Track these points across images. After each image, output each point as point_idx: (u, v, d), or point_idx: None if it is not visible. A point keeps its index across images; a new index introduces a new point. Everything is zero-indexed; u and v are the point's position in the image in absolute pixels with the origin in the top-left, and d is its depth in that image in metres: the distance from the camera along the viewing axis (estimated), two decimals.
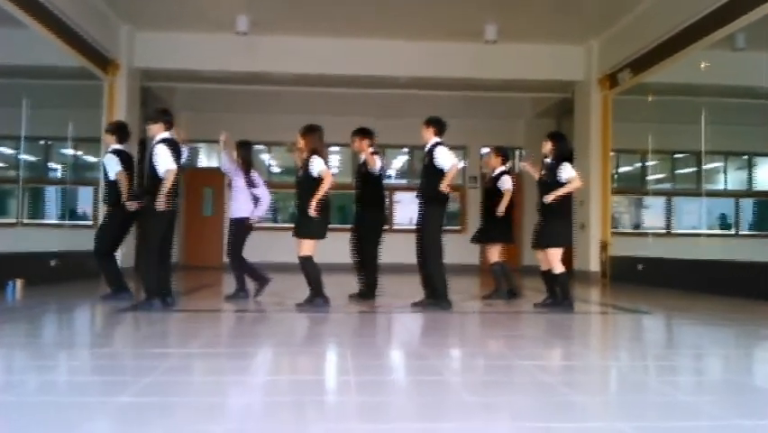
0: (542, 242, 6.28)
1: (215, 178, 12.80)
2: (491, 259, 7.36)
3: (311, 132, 6.28)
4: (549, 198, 6.11)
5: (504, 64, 11.86)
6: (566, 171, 6.18)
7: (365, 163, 7.07)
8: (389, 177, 14.84)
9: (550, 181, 6.21)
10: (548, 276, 6.33)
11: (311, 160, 6.17)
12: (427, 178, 6.29)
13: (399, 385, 3.31)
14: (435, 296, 6.24)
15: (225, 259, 7.34)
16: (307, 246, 6.19)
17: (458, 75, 12.04)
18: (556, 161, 6.23)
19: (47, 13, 8.60)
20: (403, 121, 13.04)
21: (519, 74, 12.11)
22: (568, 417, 2.59)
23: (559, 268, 6.19)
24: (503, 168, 7.41)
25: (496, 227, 7.26)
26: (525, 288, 8.73)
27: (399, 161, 15.63)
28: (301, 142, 6.27)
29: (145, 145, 12.67)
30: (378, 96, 13.35)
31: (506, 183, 7.22)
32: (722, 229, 10.25)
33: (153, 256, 5.83)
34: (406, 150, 15.18)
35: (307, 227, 6.16)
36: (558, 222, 6.24)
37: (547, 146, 6.30)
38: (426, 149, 6.37)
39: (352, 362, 3.64)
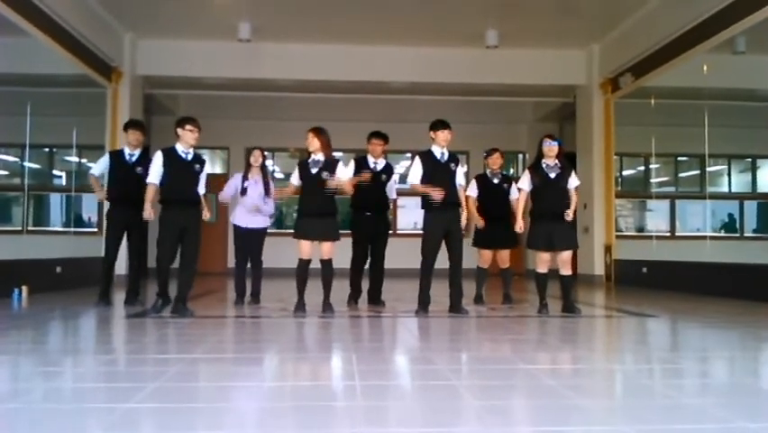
0: (573, 243, 6.32)
1: (218, 184, 12.84)
2: (504, 264, 7.36)
3: (325, 133, 6.25)
4: (570, 216, 6.18)
5: (505, 69, 11.90)
6: (575, 179, 6.35)
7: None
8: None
9: (563, 185, 6.24)
10: (566, 279, 6.36)
11: (338, 164, 6.27)
12: (455, 186, 6.29)
13: (404, 390, 3.31)
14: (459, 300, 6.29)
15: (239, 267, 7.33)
16: (333, 249, 6.20)
17: (460, 80, 12.08)
18: (562, 164, 6.27)
19: (50, 22, 8.64)
20: (405, 126, 13.03)
21: (521, 79, 12.15)
22: (573, 421, 2.59)
23: (570, 270, 6.36)
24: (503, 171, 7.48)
25: (508, 232, 7.21)
26: (529, 292, 8.72)
27: (402, 166, 15.62)
28: (315, 142, 6.18)
29: (148, 152, 12.73)
30: (380, 102, 13.39)
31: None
32: (729, 231, 10.22)
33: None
34: (408, 155, 15.19)
35: (336, 230, 6.19)
36: (574, 225, 6.39)
37: (555, 150, 6.23)
38: (447, 155, 6.27)
39: (357, 366, 3.64)
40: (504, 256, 7.36)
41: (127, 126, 6.98)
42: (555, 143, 6.26)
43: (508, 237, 7.20)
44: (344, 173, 6.27)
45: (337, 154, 15.55)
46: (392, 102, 13.42)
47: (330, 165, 6.17)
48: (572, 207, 6.23)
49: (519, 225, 6.43)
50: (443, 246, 6.27)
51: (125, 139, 6.92)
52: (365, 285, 7.16)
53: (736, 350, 4.66)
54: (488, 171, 7.33)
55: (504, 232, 7.15)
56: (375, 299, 7.08)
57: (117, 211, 6.74)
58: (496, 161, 7.29)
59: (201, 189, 6.12)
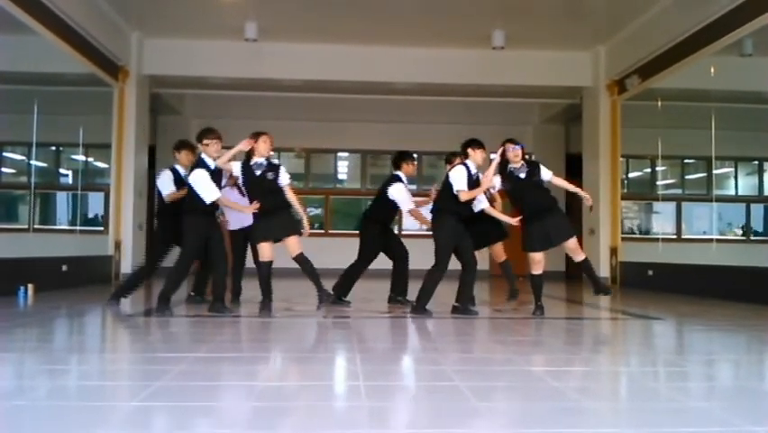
0: (569, 232, 6.22)
1: None
2: (501, 258, 7.28)
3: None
4: (588, 199, 6.27)
5: (511, 70, 11.87)
6: (546, 171, 6.33)
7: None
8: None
9: (537, 181, 6.24)
10: (584, 263, 6.34)
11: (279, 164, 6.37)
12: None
13: (409, 390, 3.31)
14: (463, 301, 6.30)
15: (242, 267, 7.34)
16: (299, 243, 6.22)
17: (466, 81, 12.04)
18: (529, 164, 6.31)
19: (57, 20, 8.66)
20: (411, 126, 13.05)
21: (527, 80, 12.11)
22: (579, 423, 2.58)
23: (582, 255, 6.33)
24: None
25: (487, 227, 7.11)
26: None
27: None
28: (268, 146, 6.23)
29: (155, 152, 12.76)
30: (386, 103, 13.36)
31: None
32: (743, 234, 10.17)
33: None
34: (414, 155, 15.17)
35: (295, 223, 6.24)
36: (564, 214, 6.34)
37: (519, 153, 6.28)
38: (476, 176, 6.26)
39: (361, 367, 3.64)
40: (497, 251, 7.20)
41: (180, 147, 6.86)
42: (518, 147, 6.33)
43: (489, 233, 7.01)
44: (287, 177, 6.30)
45: (343, 154, 15.57)
46: (398, 103, 13.39)
47: (273, 167, 6.22)
48: (572, 188, 6.32)
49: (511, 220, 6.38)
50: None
51: (179, 160, 6.75)
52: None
53: (741, 353, 4.65)
54: None
55: (482, 229, 6.86)
56: (403, 293, 7.14)
57: (172, 224, 6.62)
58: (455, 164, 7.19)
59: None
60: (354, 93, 12.78)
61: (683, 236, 10.86)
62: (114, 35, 10.64)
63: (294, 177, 13.66)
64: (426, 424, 2.61)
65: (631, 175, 12.43)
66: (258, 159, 6.18)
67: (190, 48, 11.55)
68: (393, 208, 7.14)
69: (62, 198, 10.22)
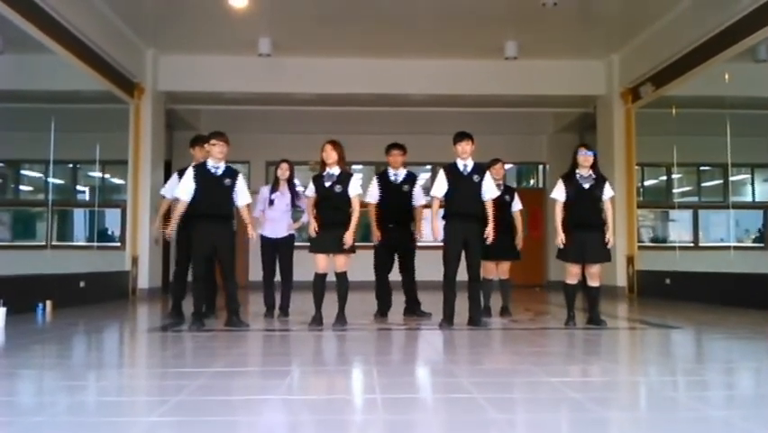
0: (605, 256, 6.17)
1: None
2: (504, 275, 7.30)
3: (341, 146, 6.28)
4: (610, 234, 6.11)
5: (525, 80, 11.87)
6: (610, 189, 6.25)
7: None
8: None
9: (597, 195, 6.17)
10: (594, 290, 6.26)
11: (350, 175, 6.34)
12: (479, 199, 6.22)
13: (426, 403, 3.30)
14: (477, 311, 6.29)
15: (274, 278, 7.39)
16: (348, 261, 6.25)
17: (479, 92, 12.07)
18: (597, 175, 6.22)
19: (73, 38, 8.77)
20: (425, 138, 13.00)
21: (540, 89, 12.11)
22: None
23: (598, 282, 6.26)
24: None
25: (510, 243, 7.11)
26: (551, 304, 8.66)
27: (422, 178, 15.61)
28: (334, 155, 6.20)
29: (171, 167, 12.82)
30: (400, 114, 13.39)
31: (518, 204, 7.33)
32: (760, 241, 10.06)
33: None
34: (428, 167, 15.17)
35: (352, 244, 6.20)
36: (605, 237, 6.18)
37: (590, 159, 6.19)
38: (471, 167, 6.22)
39: (378, 380, 3.63)
40: (504, 267, 7.27)
41: (194, 143, 6.97)
42: (591, 153, 6.23)
43: (509, 249, 7.10)
44: (357, 187, 6.27)
45: (357, 167, 15.59)
46: (412, 114, 13.42)
47: (343, 179, 6.22)
48: (609, 220, 6.18)
49: (561, 238, 6.15)
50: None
51: (193, 156, 6.88)
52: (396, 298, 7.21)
53: (761, 361, 4.59)
54: None
55: (504, 243, 6.96)
56: (412, 310, 7.15)
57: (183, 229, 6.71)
58: (498, 171, 7.20)
59: (242, 201, 6.23)
60: (368, 105, 12.82)
61: (700, 244, 10.77)
62: (130, 52, 10.75)
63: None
64: None
65: (647, 183, 12.37)
66: (330, 169, 6.21)
67: (205, 64, 11.65)
68: (382, 202, 7.19)
69: (79, 215, 10.30)
